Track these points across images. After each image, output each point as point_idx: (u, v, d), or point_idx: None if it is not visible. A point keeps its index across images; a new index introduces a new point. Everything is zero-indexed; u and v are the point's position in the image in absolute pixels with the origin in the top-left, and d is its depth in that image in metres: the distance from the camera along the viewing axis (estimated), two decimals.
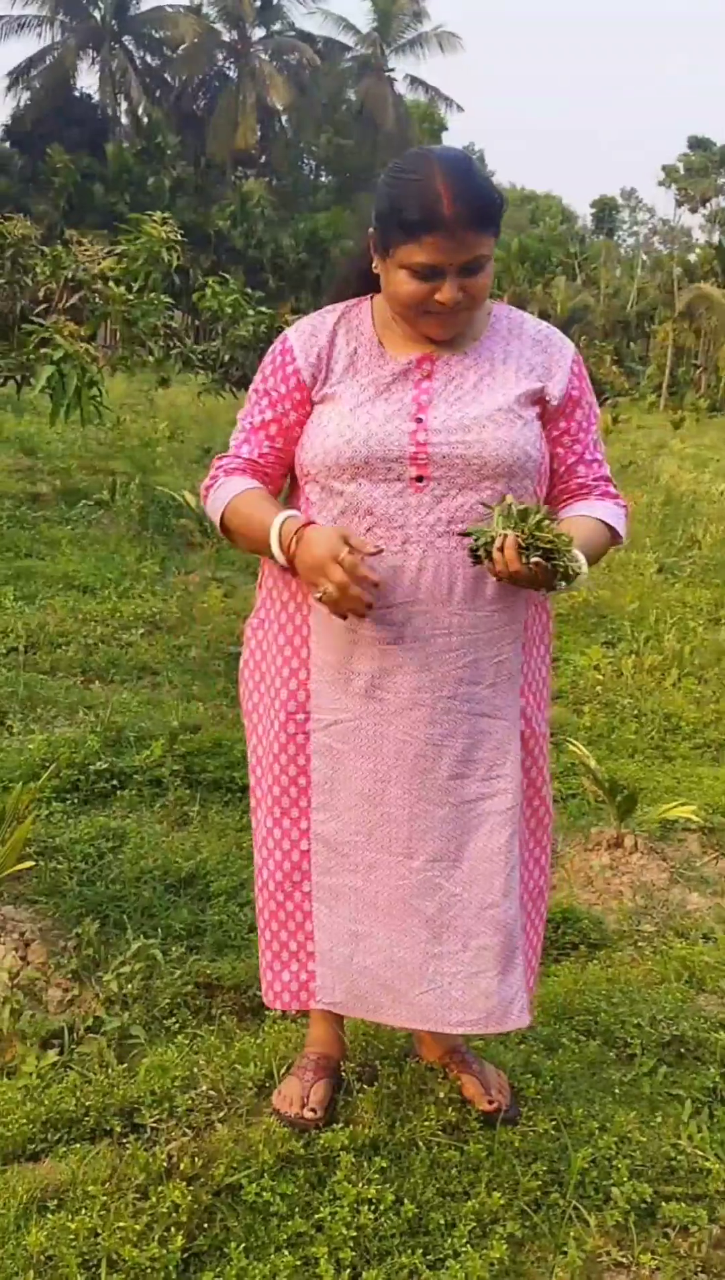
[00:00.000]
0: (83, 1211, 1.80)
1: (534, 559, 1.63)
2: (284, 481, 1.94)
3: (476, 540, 1.68)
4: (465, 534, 1.73)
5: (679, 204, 51.70)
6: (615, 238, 59.22)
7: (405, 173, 1.69)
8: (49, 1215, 1.80)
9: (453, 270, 1.69)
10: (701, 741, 4.54)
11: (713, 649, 5.75)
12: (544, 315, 31.14)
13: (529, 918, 2.03)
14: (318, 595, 1.69)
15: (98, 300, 7.65)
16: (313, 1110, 2.07)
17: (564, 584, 1.68)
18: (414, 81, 45.42)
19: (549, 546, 1.63)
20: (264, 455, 1.89)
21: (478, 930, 1.92)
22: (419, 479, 1.75)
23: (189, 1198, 1.83)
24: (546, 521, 1.66)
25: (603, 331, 38.75)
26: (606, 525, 1.88)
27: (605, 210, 56.94)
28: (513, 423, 1.78)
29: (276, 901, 2.00)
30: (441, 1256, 1.82)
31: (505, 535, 1.64)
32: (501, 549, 1.65)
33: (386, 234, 1.71)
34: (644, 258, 53.67)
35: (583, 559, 1.69)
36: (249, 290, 11.95)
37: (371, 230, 1.77)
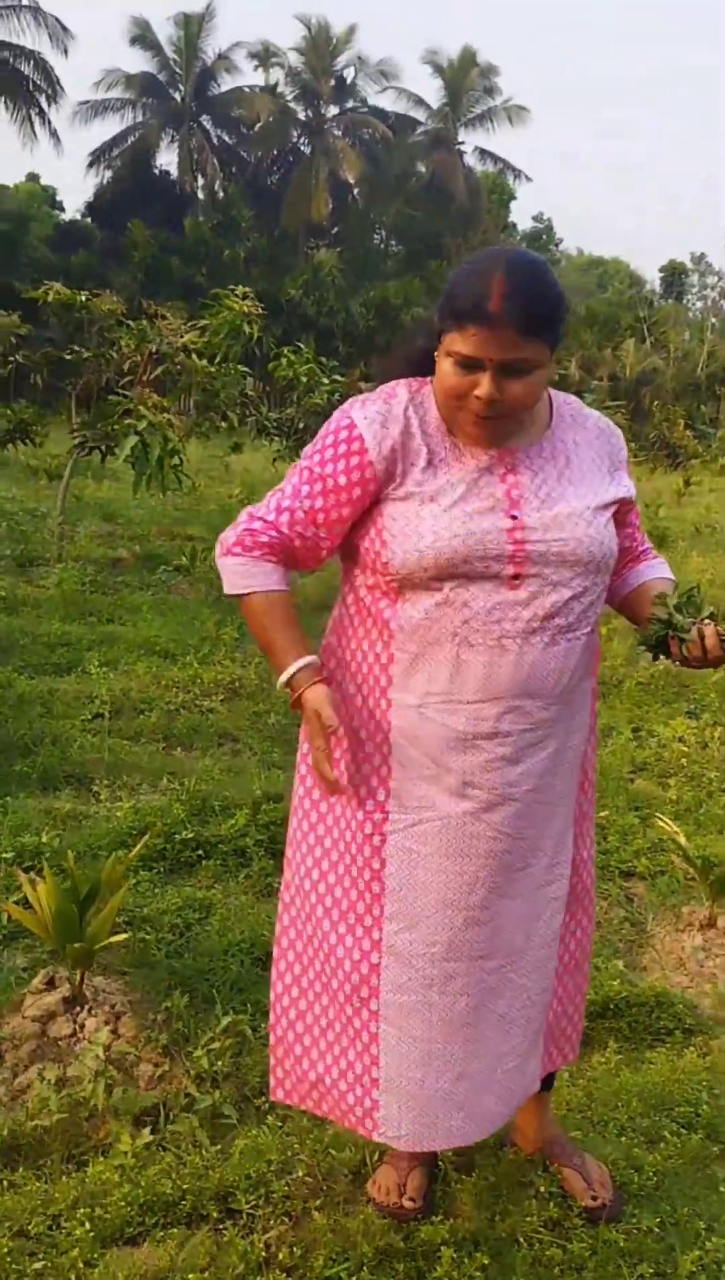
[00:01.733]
0: None
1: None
2: (309, 563, 1.85)
3: (661, 629, 1.78)
4: (655, 620, 1.80)
5: None
6: (684, 301, 59.40)
7: (473, 264, 1.69)
8: None
9: (493, 366, 1.65)
10: None
11: None
12: (614, 378, 31.22)
13: (576, 980, 2.06)
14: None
15: (179, 372, 7.85)
16: (412, 1200, 2.03)
17: None
18: (483, 154, 46.38)
19: None
20: (303, 538, 1.80)
21: (534, 1017, 1.92)
22: (515, 577, 1.73)
23: None
24: (706, 603, 1.80)
25: (673, 394, 38.71)
26: (673, 582, 1.99)
27: (674, 274, 57.20)
28: (599, 522, 1.79)
29: (345, 1017, 1.88)
30: None
31: (702, 625, 1.75)
32: (699, 638, 1.74)
33: (441, 320, 1.70)
34: (713, 320, 53.68)
35: None
36: (322, 359, 12.19)
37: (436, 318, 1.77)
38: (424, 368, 1.82)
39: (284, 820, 3.81)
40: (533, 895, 1.88)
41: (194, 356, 7.91)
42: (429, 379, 1.81)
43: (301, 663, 1.78)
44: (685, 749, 4.97)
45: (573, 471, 1.81)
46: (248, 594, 1.82)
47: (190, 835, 3.64)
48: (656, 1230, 2.04)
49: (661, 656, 1.82)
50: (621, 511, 1.90)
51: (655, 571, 2.00)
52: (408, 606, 1.76)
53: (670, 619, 1.78)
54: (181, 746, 4.75)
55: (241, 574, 1.82)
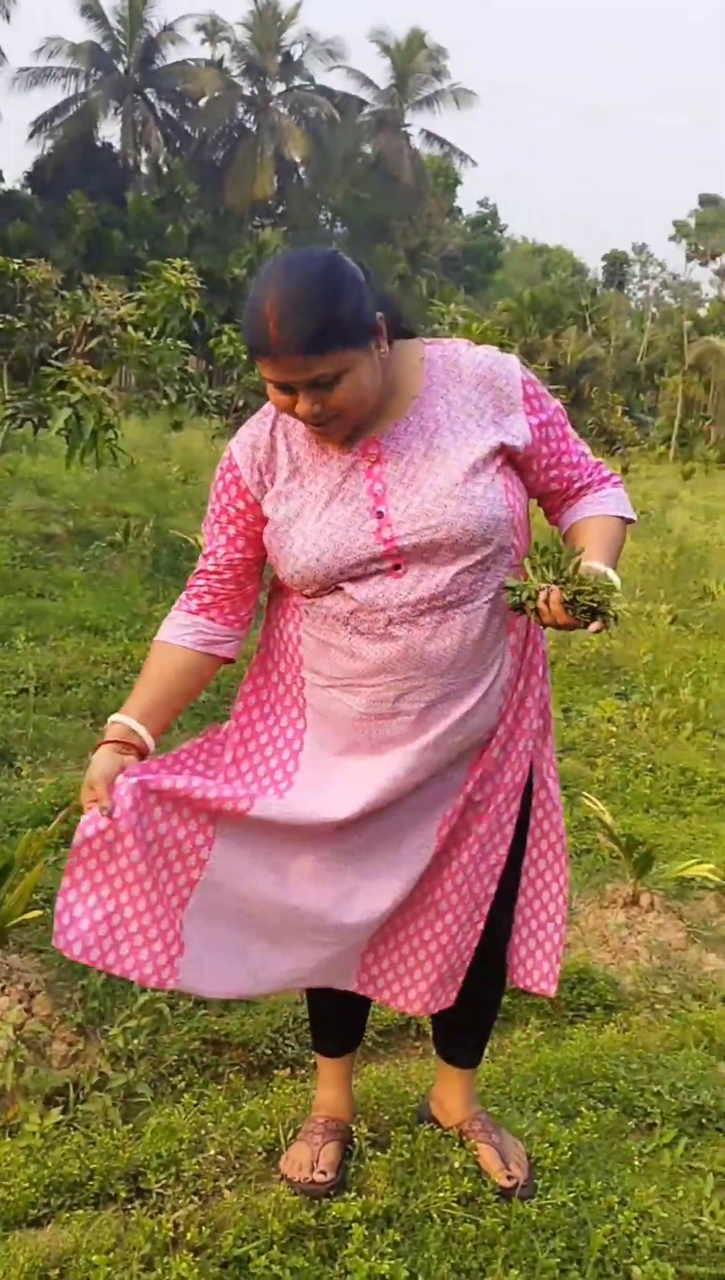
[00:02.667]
0: None
1: (582, 612, 1.61)
2: (255, 584, 1.91)
3: (517, 595, 1.66)
4: (506, 588, 1.69)
5: (689, 259, 52.26)
6: (626, 291, 59.85)
7: (254, 290, 1.61)
8: None
9: (301, 386, 1.62)
10: (718, 797, 4.48)
11: None
12: (554, 365, 31.36)
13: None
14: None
15: (116, 345, 7.70)
16: (323, 1173, 2.01)
17: (612, 625, 1.64)
18: (429, 136, 46.17)
19: (592, 595, 1.61)
20: (230, 567, 1.86)
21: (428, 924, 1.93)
22: (396, 566, 1.71)
23: (196, 1270, 1.77)
24: (578, 560, 1.64)
25: (613, 382, 39.02)
26: (618, 518, 1.87)
27: (617, 264, 57.63)
28: (473, 493, 1.70)
29: (162, 865, 1.79)
30: None
31: (549, 590, 1.62)
32: (547, 603, 1.62)
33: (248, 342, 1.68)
34: (654, 311, 54.20)
35: (618, 585, 1.66)
36: None
37: None
38: None
39: None
40: (425, 819, 1.85)
41: (130, 329, 7.76)
42: None
43: (119, 719, 1.83)
44: (614, 729, 5.01)
45: (441, 442, 1.72)
46: (157, 639, 1.90)
47: None
48: (570, 1205, 2.03)
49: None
50: (524, 460, 1.79)
51: (584, 512, 1.87)
52: (307, 611, 1.81)
53: (515, 585, 1.67)
54: None
55: (165, 623, 1.91)
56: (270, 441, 1.79)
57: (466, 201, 58.34)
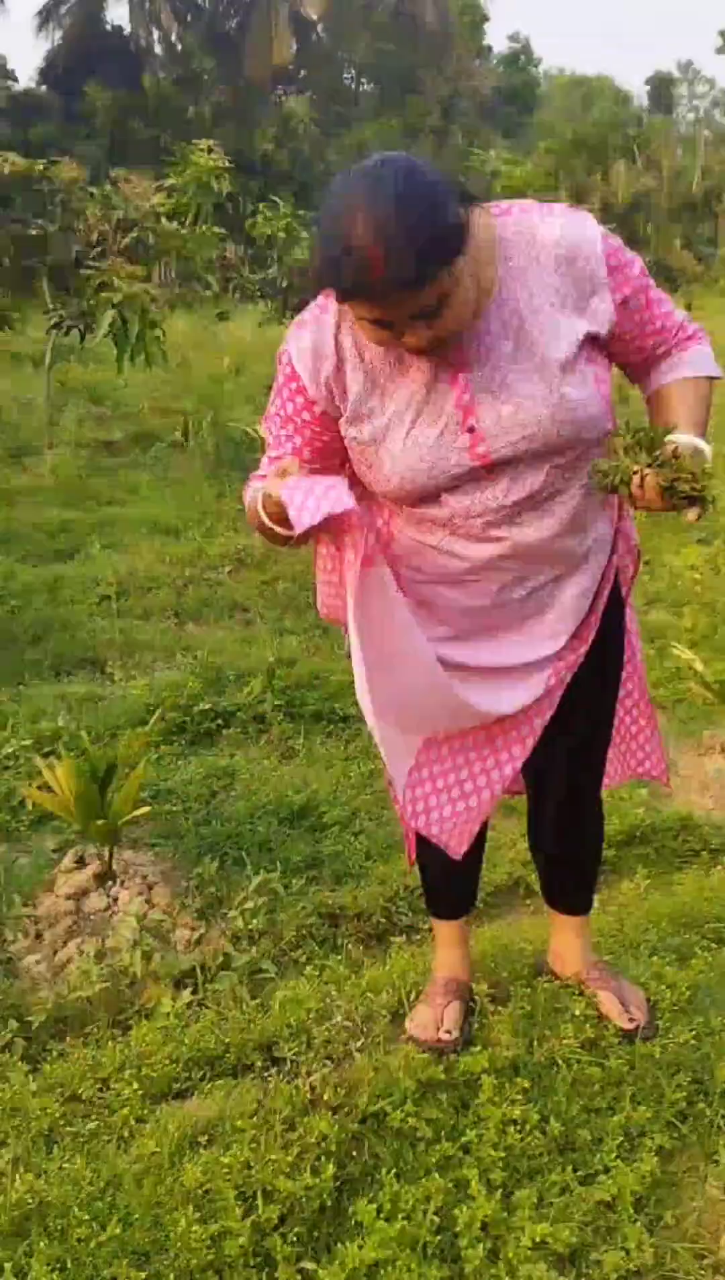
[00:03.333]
0: (233, 1146, 1.82)
1: (680, 498, 1.53)
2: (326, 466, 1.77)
3: (609, 478, 1.58)
4: (596, 471, 1.62)
5: None
6: (674, 115, 56.47)
7: (327, 226, 1.45)
8: (202, 1151, 1.84)
9: (404, 320, 1.48)
10: None
11: None
12: (606, 205, 29.94)
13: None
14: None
15: (151, 238, 7.53)
16: (448, 1031, 2.07)
17: (709, 511, 1.55)
18: None
19: (690, 482, 1.53)
20: (302, 458, 1.72)
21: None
22: (490, 470, 1.66)
23: (336, 1127, 1.85)
24: (674, 445, 1.55)
25: (669, 215, 37.15)
26: (705, 378, 1.77)
27: (662, 86, 54.20)
28: (568, 395, 1.60)
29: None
30: (592, 1172, 1.81)
31: (643, 473, 1.54)
32: (640, 487, 1.54)
33: (321, 285, 1.54)
34: (707, 133, 51.11)
35: (709, 459, 1.60)
36: (301, 211, 11.70)
37: None
38: None
39: (300, 684, 3.81)
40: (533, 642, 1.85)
41: (164, 220, 7.57)
42: None
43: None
44: (698, 577, 4.90)
45: (527, 337, 1.60)
46: (250, 497, 1.68)
47: (207, 706, 3.64)
48: (692, 1042, 2.07)
49: None
50: (611, 336, 1.67)
51: (670, 375, 1.76)
52: (396, 513, 1.78)
53: (607, 470, 1.59)
54: (192, 621, 4.73)
55: (250, 492, 1.68)
56: (336, 350, 1.65)
57: (497, 38, 55.15)
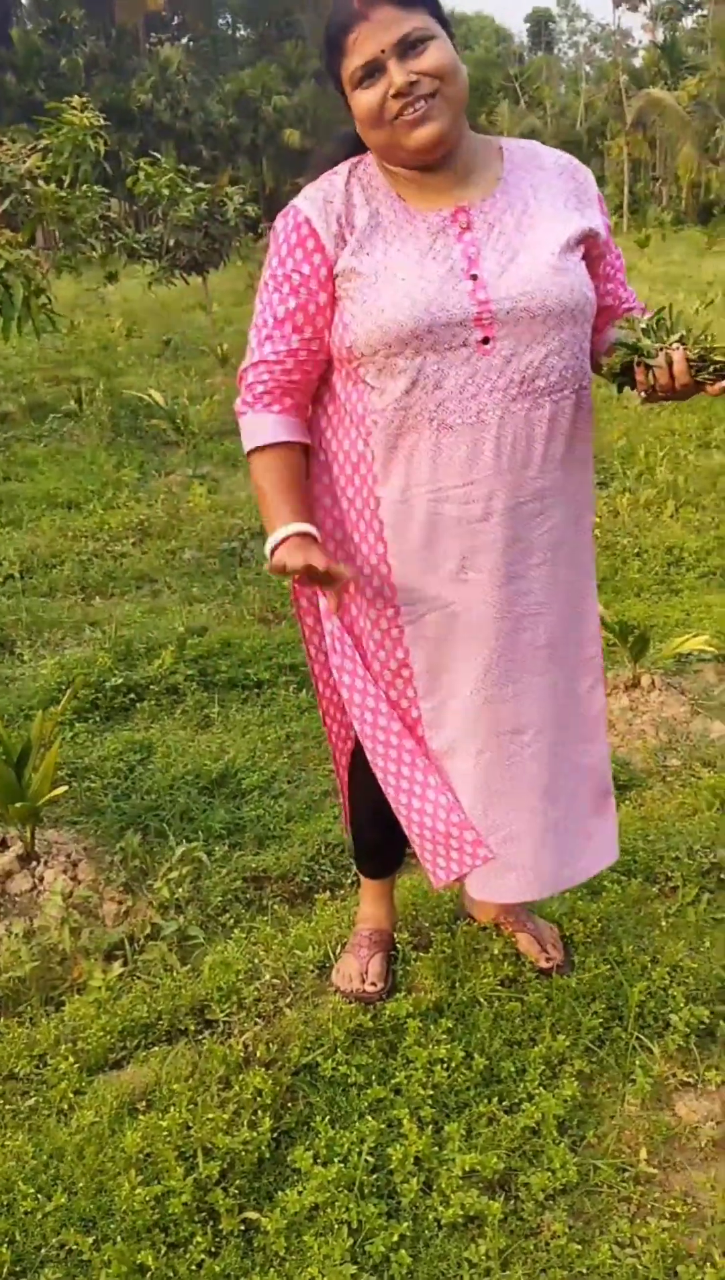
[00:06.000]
0: (171, 1109, 1.88)
1: (711, 372, 1.61)
2: (316, 380, 1.78)
3: (631, 354, 1.64)
4: (618, 345, 1.67)
5: (616, 4, 48.97)
6: (555, 52, 56.34)
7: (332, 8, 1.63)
8: (140, 1117, 1.89)
9: (390, 56, 1.58)
10: (706, 570, 4.54)
11: (706, 475, 5.70)
12: None
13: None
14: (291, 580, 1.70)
15: (29, 201, 7.34)
16: (373, 983, 2.15)
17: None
18: None
19: (715, 355, 1.61)
20: (293, 352, 1.73)
21: (578, 785, 1.95)
22: (485, 340, 1.65)
23: (270, 1081, 1.92)
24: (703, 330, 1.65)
25: None
26: None
27: (541, 23, 54.09)
28: (568, 267, 1.67)
29: (419, 770, 1.87)
30: (516, 1101, 1.91)
31: (670, 350, 1.61)
32: (667, 365, 1.62)
33: (331, 65, 1.64)
34: (587, 69, 51.13)
35: None
36: (183, 166, 11.46)
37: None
38: (357, 147, 1.75)
39: (211, 653, 3.83)
40: (562, 668, 1.86)
41: (41, 183, 7.38)
42: (363, 155, 1.74)
43: (290, 529, 1.69)
44: (597, 520, 5.02)
45: (532, 218, 1.68)
46: (252, 458, 1.78)
47: (120, 681, 3.64)
48: (606, 971, 2.18)
49: (628, 389, 1.74)
50: (594, 258, 1.76)
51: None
52: (377, 396, 1.69)
53: (637, 343, 1.65)
54: (99, 595, 4.70)
55: (248, 433, 1.78)
56: (346, 193, 1.71)
57: None
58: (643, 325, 1.67)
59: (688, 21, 47.23)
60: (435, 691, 1.85)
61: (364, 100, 1.61)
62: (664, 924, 2.35)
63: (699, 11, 46.28)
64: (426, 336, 1.62)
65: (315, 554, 1.65)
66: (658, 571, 4.54)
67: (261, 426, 1.76)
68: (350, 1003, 2.12)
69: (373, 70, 1.59)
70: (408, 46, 1.58)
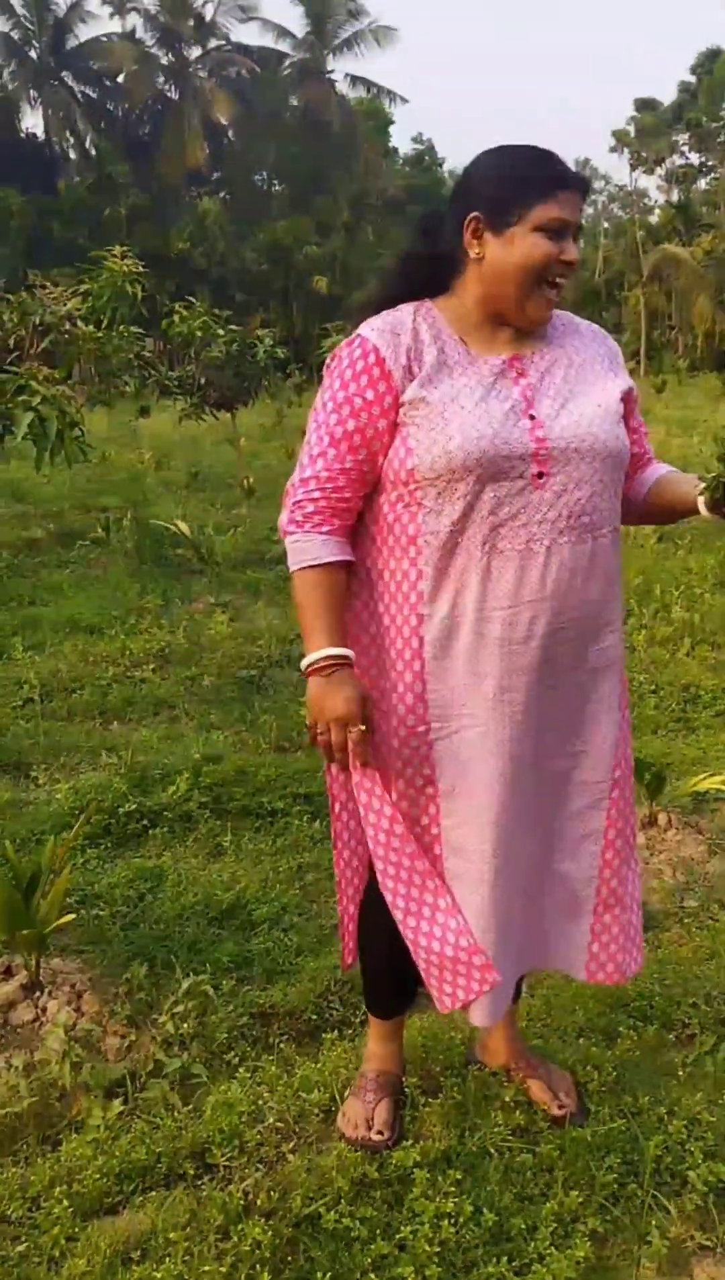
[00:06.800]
0: (166, 1259, 1.81)
1: None
2: (361, 502, 1.87)
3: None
4: (709, 478, 1.80)
5: (633, 167, 51.55)
6: None
7: (514, 150, 1.79)
8: (134, 1268, 1.81)
9: (572, 231, 1.77)
10: (722, 709, 4.53)
11: (722, 614, 5.74)
12: None
13: (633, 872, 2.07)
14: (309, 726, 1.83)
15: (68, 340, 7.66)
16: (380, 1131, 2.08)
17: None
18: (355, 80, 45.37)
19: None
20: (346, 471, 1.82)
21: (552, 888, 1.99)
22: (539, 475, 1.76)
23: (270, 1233, 1.84)
24: None
25: (573, 304, 38.67)
26: None
27: None
28: (613, 418, 1.84)
29: (431, 893, 1.88)
30: (527, 1261, 1.83)
31: None
32: None
33: (514, 200, 1.75)
34: (605, 225, 53.53)
35: None
36: (216, 310, 11.96)
37: (473, 216, 1.78)
38: (425, 288, 1.87)
39: (226, 781, 3.82)
40: (571, 789, 1.94)
41: (80, 324, 7.71)
42: (423, 301, 1.86)
43: (329, 651, 1.81)
44: None
45: (578, 372, 1.85)
46: (296, 576, 1.85)
47: (133, 807, 3.63)
48: (621, 1123, 2.11)
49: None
50: (627, 411, 1.92)
51: (660, 471, 2.02)
52: (433, 518, 1.78)
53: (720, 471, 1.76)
54: (117, 720, 4.73)
55: (297, 551, 1.84)
56: (413, 329, 1.82)
57: (402, 139, 57.33)
58: None
59: (701, 183, 49.67)
60: (455, 811, 1.88)
61: (541, 249, 1.75)
62: (681, 1074, 2.27)
63: (712, 174, 48.70)
64: (489, 466, 1.74)
65: (358, 694, 1.80)
66: (674, 709, 4.54)
67: (311, 546, 1.83)
68: (356, 1151, 2.05)
69: (561, 230, 1.76)
70: (577, 231, 1.79)
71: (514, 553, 1.76)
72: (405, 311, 1.84)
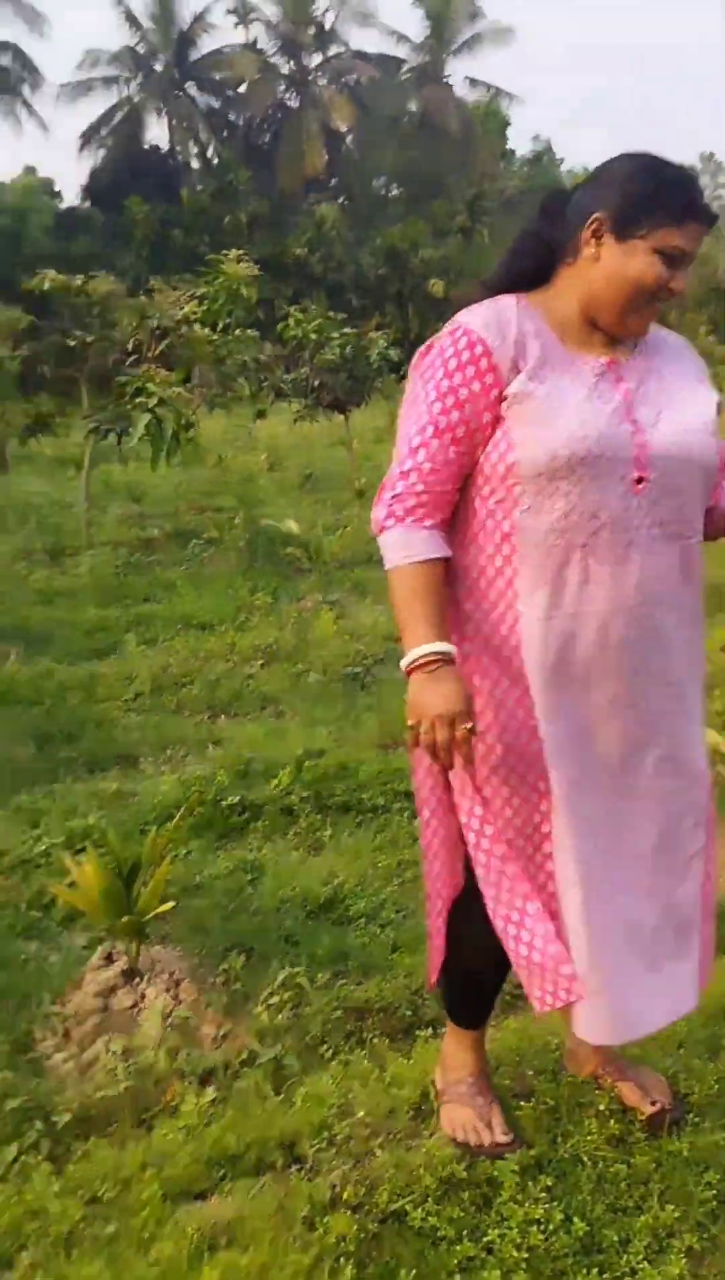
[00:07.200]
0: (252, 1247, 1.81)
1: None
2: (457, 495, 1.82)
3: None
4: None
5: None
6: None
7: (658, 165, 1.74)
8: (220, 1253, 1.82)
9: (687, 260, 1.74)
10: None
11: None
12: None
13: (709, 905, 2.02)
14: (410, 727, 1.75)
15: (185, 344, 7.82)
16: (506, 1133, 2.04)
17: None
18: (473, 82, 45.17)
19: None
20: (449, 463, 1.77)
21: (663, 924, 1.92)
22: (639, 480, 1.74)
23: (355, 1227, 1.83)
24: None
25: (695, 302, 37.79)
26: None
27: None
28: (710, 428, 1.82)
29: (521, 896, 1.85)
30: (619, 1275, 1.78)
31: None
32: None
33: (645, 215, 1.72)
34: None
35: None
36: (331, 313, 12.06)
37: (599, 215, 1.74)
38: (525, 276, 1.84)
39: (328, 776, 3.83)
40: (666, 801, 1.88)
41: (196, 327, 7.87)
42: (519, 295, 1.82)
43: (433, 647, 1.74)
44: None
45: (670, 382, 1.83)
46: (394, 573, 1.79)
47: (236, 800, 3.67)
48: (721, 1138, 2.04)
49: None
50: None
51: None
52: (531, 517, 1.75)
53: None
54: (224, 715, 4.79)
55: (398, 546, 1.78)
56: (519, 323, 1.77)
57: (520, 141, 56.90)
58: None
59: None
60: (571, 810, 1.82)
61: (655, 270, 1.72)
62: None
63: None
64: (593, 466, 1.71)
65: (464, 692, 1.73)
66: None
67: (414, 540, 1.77)
68: (482, 1158, 2.00)
69: (678, 258, 1.73)
70: (691, 261, 1.77)
71: (611, 555, 1.74)
72: (506, 303, 1.81)
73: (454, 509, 1.83)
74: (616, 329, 1.79)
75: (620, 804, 1.84)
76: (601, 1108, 2.09)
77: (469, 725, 1.72)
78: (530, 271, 1.84)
